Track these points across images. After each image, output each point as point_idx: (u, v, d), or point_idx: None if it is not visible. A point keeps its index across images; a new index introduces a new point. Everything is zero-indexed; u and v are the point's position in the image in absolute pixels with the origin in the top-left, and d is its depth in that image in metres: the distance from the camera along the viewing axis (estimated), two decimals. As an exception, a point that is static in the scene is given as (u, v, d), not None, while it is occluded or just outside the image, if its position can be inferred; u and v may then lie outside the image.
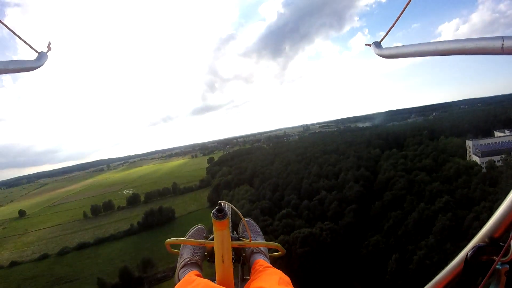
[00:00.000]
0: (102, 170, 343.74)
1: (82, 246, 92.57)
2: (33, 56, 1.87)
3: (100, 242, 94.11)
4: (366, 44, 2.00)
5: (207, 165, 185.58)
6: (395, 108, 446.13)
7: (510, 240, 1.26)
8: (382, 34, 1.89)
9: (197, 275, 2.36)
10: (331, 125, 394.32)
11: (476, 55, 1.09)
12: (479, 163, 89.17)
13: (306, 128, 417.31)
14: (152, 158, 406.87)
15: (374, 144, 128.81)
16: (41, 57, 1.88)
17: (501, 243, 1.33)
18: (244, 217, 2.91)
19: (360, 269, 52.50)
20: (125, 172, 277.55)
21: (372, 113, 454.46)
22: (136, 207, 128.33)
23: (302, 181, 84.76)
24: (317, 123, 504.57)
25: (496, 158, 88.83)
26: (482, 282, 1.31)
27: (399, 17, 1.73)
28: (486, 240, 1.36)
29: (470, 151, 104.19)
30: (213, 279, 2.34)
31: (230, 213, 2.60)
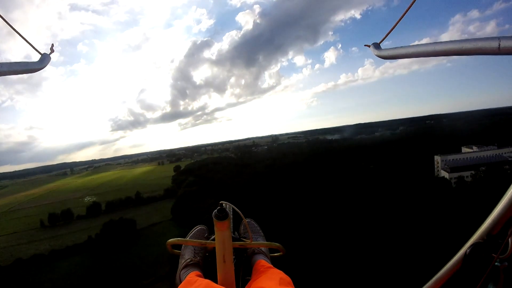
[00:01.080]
0: (65, 174, 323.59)
1: (37, 259, 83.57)
2: (35, 57, 1.92)
3: (56, 254, 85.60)
4: (365, 45, 2.04)
5: (173, 173, 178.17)
6: (363, 122, 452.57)
7: (508, 237, 1.27)
8: (381, 36, 1.93)
9: (199, 276, 2.32)
10: (300, 136, 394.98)
11: (474, 55, 1.10)
12: (448, 178, 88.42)
13: (275, 138, 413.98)
14: (117, 164, 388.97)
15: (343, 157, 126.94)
16: (44, 59, 1.94)
17: (499, 240, 1.35)
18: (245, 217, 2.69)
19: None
20: (89, 178, 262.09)
21: (341, 125, 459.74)
22: (96, 216, 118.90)
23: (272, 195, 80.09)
24: (286, 134, 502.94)
25: (465, 173, 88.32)
26: (481, 279, 1.32)
27: (400, 19, 1.76)
28: (485, 237, 1.38)
29: (438, 166, 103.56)
30: (214, 279, 2.26)
31: (231, 213, 2.53)
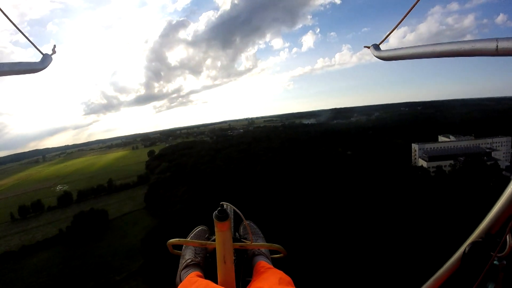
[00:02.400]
0: (37, 162, 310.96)
1: (6, 256, 79.11)
2: (37, 57, 1.97)
3: (25, 250, 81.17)
4: (365, 46, 2.02)
5: (147, 158, 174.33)
6: (338, 107, 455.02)
7: (507, 236, 1.28)
8: (382, 36, 1.91)
9: (199, 276, 2.35)
10: (276, 120, 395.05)
11: (473, 57, 1.12)
12: (425, 167, 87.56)
13: (250, 121, 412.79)
14: (90, 149, 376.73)
15: (320, 142, 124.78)
16: (46, 59, 1.98)
17: (497, 239, 1.37)
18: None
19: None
20: (61, 165, 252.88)
21: (317, 110, 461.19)
22: (68, 207, 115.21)
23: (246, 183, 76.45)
24: (262, 117, 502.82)
25: (444, 163, 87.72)
26: (480, 278, 1.34)
27: (401, 21, 1.76)
28: (483, 236, 1.40)
29: (416, 155, 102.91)
30: (215, 280, 2.31)
31: (232, 214, 2.62)
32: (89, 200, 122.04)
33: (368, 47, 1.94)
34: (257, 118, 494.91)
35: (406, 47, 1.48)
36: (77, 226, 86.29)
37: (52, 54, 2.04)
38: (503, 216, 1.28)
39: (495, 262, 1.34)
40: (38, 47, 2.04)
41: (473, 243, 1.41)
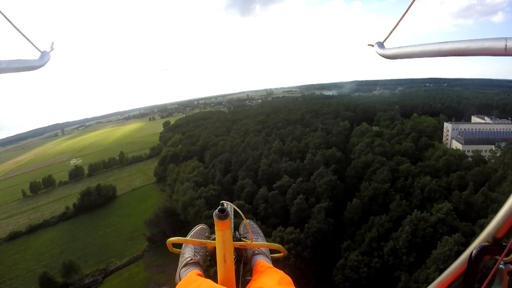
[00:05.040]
0: (56, 136, 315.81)
1: (13, 236, 78.80)
2: (36, 55, 1.95)
3: (32, 230, 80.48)
4: (369, 45, 1.98)
5: (162, 129, 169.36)
6: (360, 79, 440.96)
7: None
8: (385, 34, 1.85)
9: (199, 275, 2.37)
10: (296, 91, 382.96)
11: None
12: (461, 150, 78.35)
13: (269, 92, 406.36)
14: (108, 121, 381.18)
15: (343, 116, 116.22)
16: (44, 56, 1.96)
17: (504, 243, 1.36)
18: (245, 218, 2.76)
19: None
20: (78, 139, 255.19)
21: (337, 82, 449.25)
22: (79, 181, 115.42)
23: (261, 159, 69.27)
24: (281, 88, 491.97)
25: (482, 147, 78.41)
26: (485, 282, 1.31)
27: (402, 18, 1.72)
28: (489, 240, 1.38)
29: (448, 135, 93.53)
30: (214, 279, 2.30)
31: (232, 213, 2.66)
32: (100, 174, 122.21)
33: (372, 46, 1.89)
34: (276, 88, 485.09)
35: (412, 45, 1.44)
36: (83, 203, 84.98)
37: (50, 51, 2.01)
38: (509, 220, 1.26)
39: (500, 266, 1.33)
40: (35, 44, 1.97)
41: (479, 247, 1.39)
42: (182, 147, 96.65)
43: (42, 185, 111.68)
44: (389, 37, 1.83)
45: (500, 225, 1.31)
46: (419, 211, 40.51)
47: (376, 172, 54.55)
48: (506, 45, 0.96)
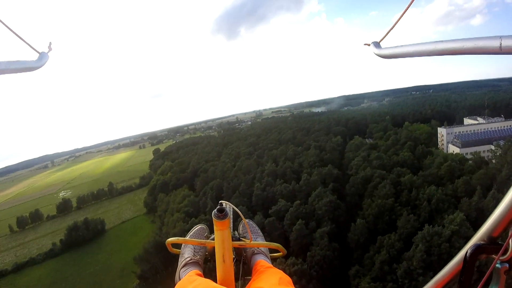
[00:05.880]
0: (46, 167, 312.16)
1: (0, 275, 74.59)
2: (34, 56, 1.92)
3: (19, 268, 76.07)
4: (365, 44, 1.97)
5: (152, 157, 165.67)
6: (347, 94, 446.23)
7: (509, 239, 1.26)
8: (381, 35, 1.83)
9: (198, 275, 2.36)
10: (284, 110, 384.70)
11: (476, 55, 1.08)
12: (460, 154, 75.64)
13: (258, 113, 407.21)
14: (98, 151, 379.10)
15: (334, 131, 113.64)
16: (42, 58, 1.94)
17: (500, 242, 1.35)
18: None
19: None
20: (68, 170, 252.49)
21: (325, 98, 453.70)
22: (67, 214, 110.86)
23: (254, 183, 65.51)
24: (270, 108, 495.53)
25: (480, 148, 76.15)
26: (482, 281, 1.29)
27: (399, 18, 1.71)
28: (485, 239, 1.37)
29: (443, 140, 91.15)
30: (214, 278, 2.30)
31: (231, 213, 2.65)
32: (89, 206, 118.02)
33: (368, 45, 1.87)
34: (264, 109, 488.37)
35: (408, 45, 1.43)
36: (71, 238, 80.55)
37: (48, 51, 1.98)
38: (506, 218, 1.24)
39: (497, 265, 1.31)
40: (33, 46, 1.93)
41: (474, 246, 1.37)
42: (171, 175, 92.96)
43: (30, 220, 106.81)
44: (385, 37, 1.81)
45: (496, 224, 1.29)
46: (431, 226, 36.91)
47: (378, 187, 51.17)
48: (501, 44, 0.95)
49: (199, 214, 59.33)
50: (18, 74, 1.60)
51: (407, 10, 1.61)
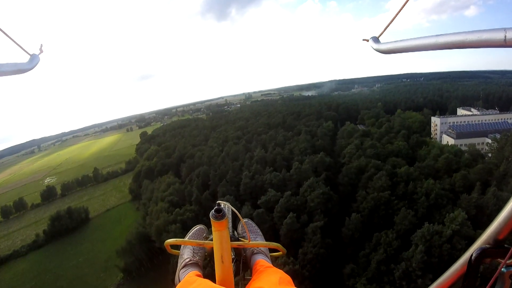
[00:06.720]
0: (33, 153, 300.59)
1: None
2: (25, 58, 1.92)
3: (3, 261, 73.47)
4: (363, 39, 1.93)
5: (139, 140, 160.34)
6: (337, 78, 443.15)
7: None
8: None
9: (198, 276, 2.36)
10: (274, 93, 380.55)
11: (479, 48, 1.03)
12: (454, 144, 73.76)
13: (248, 96, 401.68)
14: (85, 135, 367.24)
15: (326, 116, 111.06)
16: (33, 59, 1.93)
17: (506, 245, 1.31)
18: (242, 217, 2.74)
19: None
20: (54, 155, 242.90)
21: (315, 82, 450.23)
22: (52, 202, 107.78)
23: (242, 171, 62.41)
24: (259, 91, 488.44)
25: (476, 140, 74.37)
26: (488, 286, 1.26)
27: (398, 12, 1.68)
28: (491, 242, 1.33)
29: (437, 129, 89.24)
30: (213, 279, 2.31)
31: (230, 213, 2.65)
32: (74, 193, 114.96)
33: (367, 40, 1.84)
34: (254, 92, 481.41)
35: (407, 39, 1.39)
36: (54, 228, 77.74)
37: (39, 53, 1.98)
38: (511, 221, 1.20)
39: (503, 269, 1.27)
40: (24, 47, 1.95)
41: (479, 249, 1.33)
42: (157, 160, 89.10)
43: (14, 209, 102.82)
44: (383, 32, 1.79)
45: (502, 226, 1.24)
46: (431, 224, 34.53)
47: (373, 178, 48.62)
48: (505, 36, 0.91)
49: (184, 203, 56.30)
50: (9, 76, 1.57)
51: (406, 4, 1.55)
